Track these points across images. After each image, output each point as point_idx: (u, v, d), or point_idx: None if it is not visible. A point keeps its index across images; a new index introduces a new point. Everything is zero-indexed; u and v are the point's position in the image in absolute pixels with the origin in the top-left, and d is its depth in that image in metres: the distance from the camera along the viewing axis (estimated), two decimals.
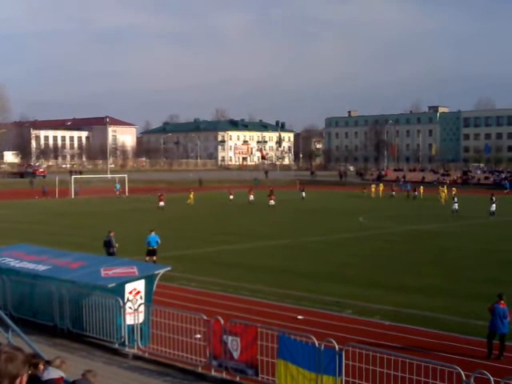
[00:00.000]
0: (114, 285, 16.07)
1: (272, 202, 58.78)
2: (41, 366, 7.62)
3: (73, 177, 79.96)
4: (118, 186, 77.53)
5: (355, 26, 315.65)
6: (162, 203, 56.79)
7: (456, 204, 54.40)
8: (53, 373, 7.59)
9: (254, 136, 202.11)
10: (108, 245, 27.95)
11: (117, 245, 27.91)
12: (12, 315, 16.92)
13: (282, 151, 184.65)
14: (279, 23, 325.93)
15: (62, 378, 7.79)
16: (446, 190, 69.41)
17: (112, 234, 28.18)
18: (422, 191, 75.36)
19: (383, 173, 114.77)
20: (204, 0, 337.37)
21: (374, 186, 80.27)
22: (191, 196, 65.09)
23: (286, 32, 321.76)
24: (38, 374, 7.31)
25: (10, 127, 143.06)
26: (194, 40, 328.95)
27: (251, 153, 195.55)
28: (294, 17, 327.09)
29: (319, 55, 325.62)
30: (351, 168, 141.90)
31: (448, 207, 55.50)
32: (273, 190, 64.96)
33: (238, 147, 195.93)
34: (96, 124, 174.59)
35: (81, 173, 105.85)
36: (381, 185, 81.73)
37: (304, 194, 70.46)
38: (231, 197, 66.29)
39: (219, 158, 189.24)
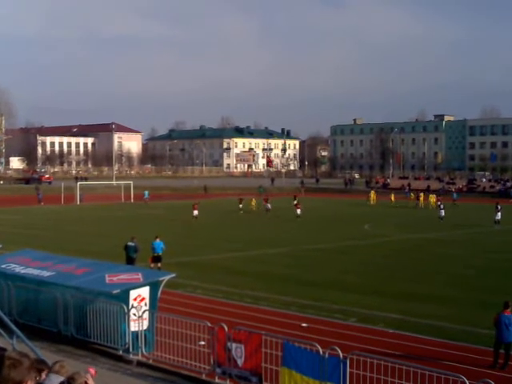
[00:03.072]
0: (118, 291, 16.07)
1: (299, 212, 56.20)
2: (43, 374, 7.57)
3: (78, 183, 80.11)
4: (146, 192, 77.33)
5: (360, 33, 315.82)
6: (196, 212, 54.36)
7: (442, 211, 54.80)
8: (55, 379, 7.54)
9: (259, 143, 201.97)
10: (133, 250, 27.96)
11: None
12: (16, 321, 16.92)
13: (287, 159, 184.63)
14: (283, 30, 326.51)
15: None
16: (433, 197, 70.09)
17: (135, 240, 28.45)
18: (422, 199, 75.10)
19: (374, 180, 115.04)
20: (208, 6, 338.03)
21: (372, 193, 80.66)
22: (253, 201, 65.05)
23: (290, 39, 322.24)
24: (40, 382, 7.27)
25: (16, 133, 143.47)
26: (199, 47, 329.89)
27: (253, 160, 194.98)
28: (297, 23, 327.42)
29: (325, 63, 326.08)
30: (356, 176, 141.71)
31: (448, 216, 55.14)
32: (296, 195, 69.50)
33: (240, 155, 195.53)
34: (102, 131, 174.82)
35: (86, 179, 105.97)
36: (372, 192, 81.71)
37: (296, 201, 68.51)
38: (269, 205, 62.42)
39: (224, 165, 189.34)
